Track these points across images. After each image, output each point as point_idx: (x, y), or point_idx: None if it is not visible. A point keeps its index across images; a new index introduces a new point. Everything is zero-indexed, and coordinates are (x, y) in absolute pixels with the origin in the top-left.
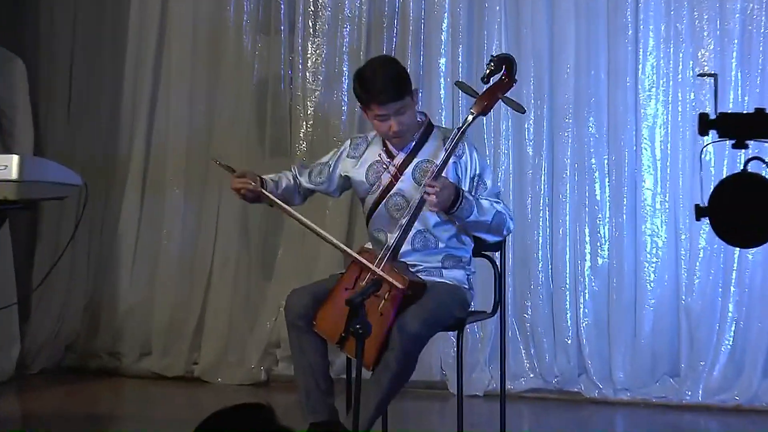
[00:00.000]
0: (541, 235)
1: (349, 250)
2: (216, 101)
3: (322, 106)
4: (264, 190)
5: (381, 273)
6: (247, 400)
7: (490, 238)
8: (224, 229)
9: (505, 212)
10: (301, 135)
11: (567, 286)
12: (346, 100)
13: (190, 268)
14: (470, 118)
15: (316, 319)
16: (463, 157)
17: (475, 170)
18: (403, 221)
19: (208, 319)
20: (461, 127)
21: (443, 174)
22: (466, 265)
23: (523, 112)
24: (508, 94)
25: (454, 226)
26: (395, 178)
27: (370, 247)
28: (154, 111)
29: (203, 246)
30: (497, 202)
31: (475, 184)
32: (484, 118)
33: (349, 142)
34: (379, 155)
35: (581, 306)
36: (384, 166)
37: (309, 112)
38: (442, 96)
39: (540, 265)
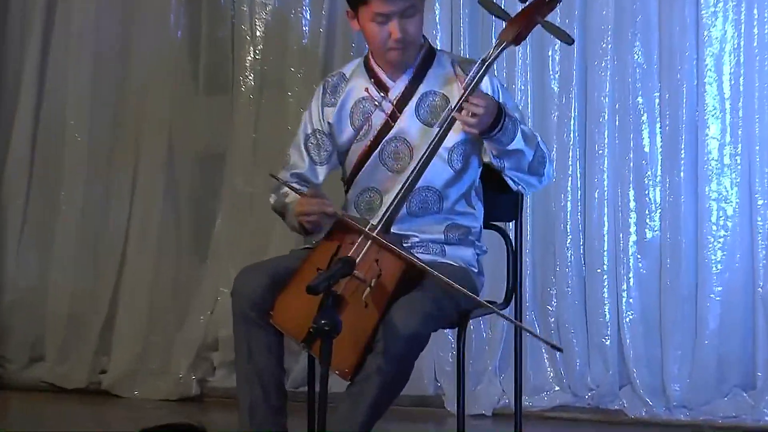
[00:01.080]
0: (569, 199)
1: (339, 212)
2: (132, 18)
3: (275, 26)
4: (341, 211)
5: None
6: (174, 420)
7: (526, 184)
8: (143, 192)
9: (545, 149)
10: (248, 64)
11: (605, 268)
12: (308, 16)
13: (96, 245)
14: (498, 47)
15: (275, 309)
16: (481, 85)
17: (498, 97)
18: (410, 171)
19: (121, 314)
20: (486, 59)
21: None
22: (476, 240)
23: (571, 42)
24: (549, 18)
25: (479, 157)
26: (392, 117)
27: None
28: (50, 29)
29: (115, 215)
30: (536, 134)
31: None
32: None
33: (321, 87)
34: (367, 90)
35: (624, 295)
36: (375, 103)
37: (258, 33)
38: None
39: (568, 240)
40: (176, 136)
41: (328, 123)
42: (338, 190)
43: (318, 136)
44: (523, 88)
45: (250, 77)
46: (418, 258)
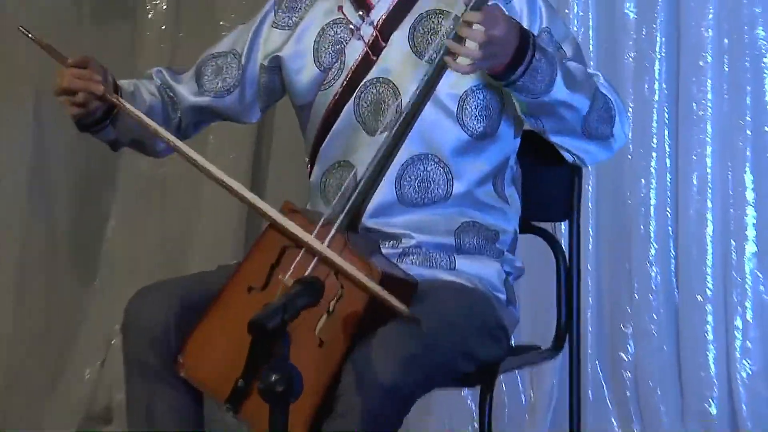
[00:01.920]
0: (654, 187)
1: (264, 207)
2: None
3: None
4: (119, 98)
5: (331, 255)
6: None
7: (583, 151)
8: None
9: (611, 94)
10: None
11: (708, 293)
12: None
13: None
14: None
15: (185, 353)
16: (511, 3)
17: (540, 23)
18: (394, 127)
19: None
20: None
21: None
22: (506, 249)
23: None
24: None
25: (505, 115)
26: (374, 48)
27: (308, 208)
28: None
29: None
30: (595, 74)
31: (542, 44)
32: None
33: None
34: (339, 9)
35: (737, 336)
36: (351, 29)
37: None
38: None
39: (652, 251)
40: (47, 92)
41: (276, 56)
42: (300, 179)
43: (229, 59)
44: (581, 14)
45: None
46: (403, 271)
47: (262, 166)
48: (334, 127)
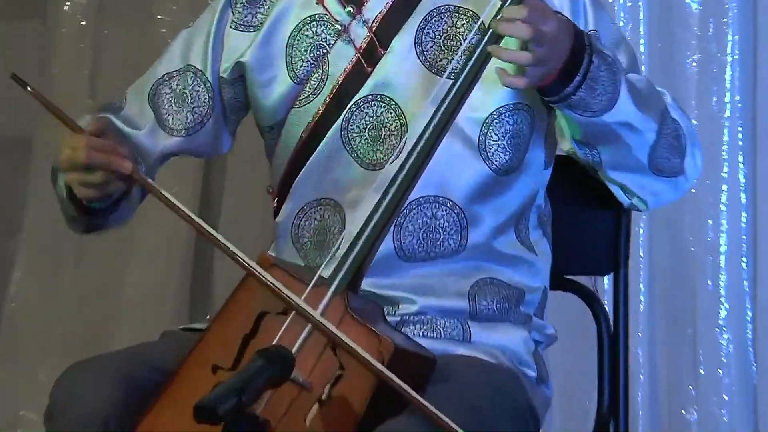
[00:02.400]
0: (725, 230)
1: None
2: None
3: None
4: (146, 177)
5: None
6: None
7: (650, 192)
8: None
9: (681, 119)
10: None
11: None
12: None
13: None
14: None
15: None
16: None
17: (584, 25)
18: (400, 165)
19: None
20: None
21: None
22: (534, 314)
23: None
24: None
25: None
26: (368, 56)
27: (271, 254)
28: None
29: None
30: (662, 92)
31: None
32: None
33: None
34: (320, 2)
35: None
36: (337, 28)
37: None
38: None
39: (723, 314)
40: None
41: (237, 63)
42: (261, 212)
43: (190, 80)
44: (629, 4)
45: None
46: (417, 344)
47: (213, 200)
48: (313, 155)
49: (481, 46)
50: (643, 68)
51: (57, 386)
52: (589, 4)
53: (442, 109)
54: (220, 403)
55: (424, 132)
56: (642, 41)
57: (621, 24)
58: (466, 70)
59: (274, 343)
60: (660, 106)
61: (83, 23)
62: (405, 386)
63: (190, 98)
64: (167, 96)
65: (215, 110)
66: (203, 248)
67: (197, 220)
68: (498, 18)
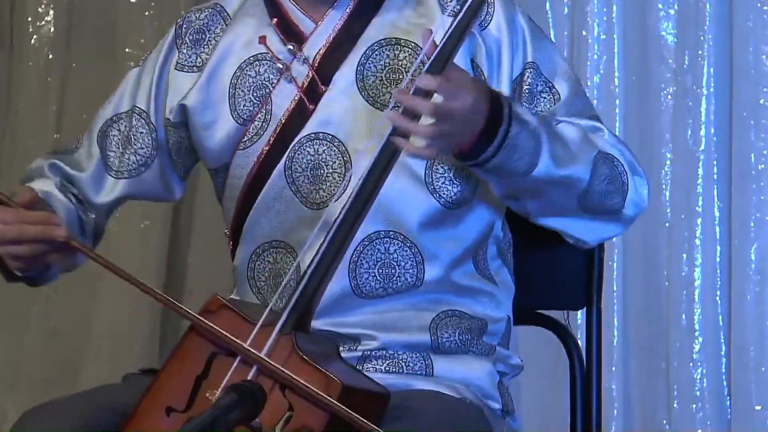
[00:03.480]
0: (699, 264)
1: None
2: None
3: None
4: (83, 244)
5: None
6: None
7: (587, 231)
8: None
9: (616, 152)
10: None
11: None
12: None
13: None
14: None
15: None
16: (488, 27)
17: (523, 56)
18: (350, 200)
19: None
20: None
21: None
22: (498, 345)
23: None
24: None
25: (486, 201)
26: (309, 93)
27: (235, 297)
28: None
29: None
30: (592, 130)
31: (524, 89)
32: None
33: (172, 31)
34: (262, 41)
35: None
36: (279, 66)
37: None
38: None
39: (697, 348)
40: None
41: (180, 106)
42: (221, 256)
43: (135, 122)
44: (603, 37)
45: (46, 19)
46: (369, 380)
47: (182, 236)
48: (260, 197)
49: (390, 115)
50: (618, 102)
51: (16, 430)
52: (528, 35)
53: (385, 144)
54: None
55: (370, 169)
56: (617, 74)
57: (595, 57)
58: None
59: (223, 384)
60: (592, 152)
61: (50, 57)
62: (357, 417)
63: (133, 140)
64: (115, 138)
65: (159, 152)
66: (174, 283)
67: (140, 282)
68: (403, 89)
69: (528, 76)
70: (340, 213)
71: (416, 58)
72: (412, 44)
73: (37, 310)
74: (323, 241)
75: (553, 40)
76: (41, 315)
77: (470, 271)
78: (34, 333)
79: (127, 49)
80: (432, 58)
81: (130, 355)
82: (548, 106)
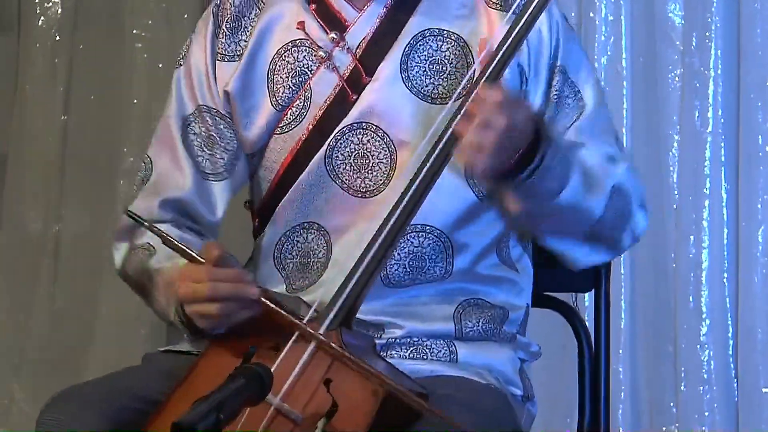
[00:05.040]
0: (707, 246)
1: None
2: None
3: None
4: (270, 300)
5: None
6: None
7: (586, 256)
8: None
9: (630, 186)
10: None
11: None
12: None
13: None
14: None
15: None
16: (534, 28)
17: (555, 59)
18: (407, 195)
19: None
20: None
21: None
22: (518, 333)
23: None
24: None
25: (505, 215)
26: (352, 83)
27: (260, 278)
28: None
29: None
30: (611, 160)
31: (552, 94)
32: None
33: (209, 19)
34: (300, 27)
35: None
36: (320, 54)
37: None
38: None
39: (704, 330)
40: None
41: (224, 92)
42: (238, 231)
43: (209, 120)
44: (610, 18)
45: (53, 1)
46: (411, 380)
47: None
48: (297, 182)
49: (455, 124)
50: (625, 84)
51: (41, 420)
52: (562, 36)
53: (444, 139)
54: (200, 421)
55: (424, 162)
56: (624, 56)
57: (602, 39)
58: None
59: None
60: (610, 184)
61: (57, 38)
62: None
63: (217, 138)
64: (195, 142)
65: (238, 141)
66: None
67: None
68: (473, 97)
69: (557, 81)
70: (396, 205)
71: (459, 50)
72: (455, 35)
73: (43, 293)
74: (377, 233)
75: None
76: (47, 298)
77: (494, 261)
78: (40, 316)
79: (134, 31)
80: (490, 67)
81: (136, 338)
82: (574, 114)
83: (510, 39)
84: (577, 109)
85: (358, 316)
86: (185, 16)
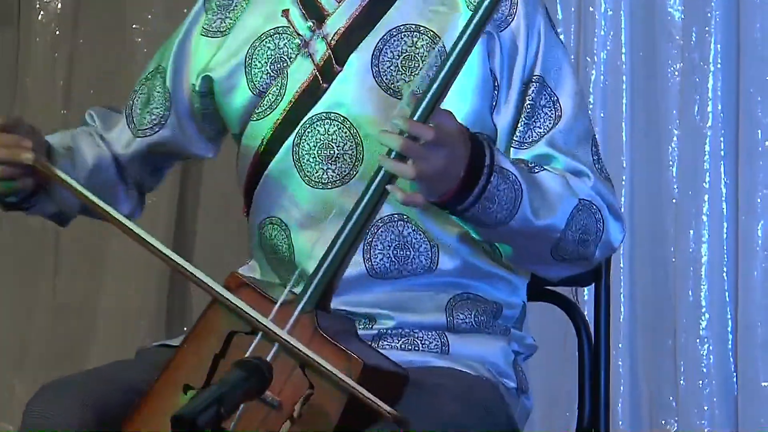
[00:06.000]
0: (706, 240)
1: (205, 279)
2: None
3: None
4: (50, 166)
5: (295, 343)
6: None
7: (557, 272)
8: None
9: (599, 200)
10: None
11: None
12: None
13: None
14: None
15: None
16: (508, 27)
17: (532, 68)
18: (370, 188)
19: None
20: None
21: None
22: (513, 327)
23: None
24: None
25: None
26: (324, 72)
27: (249, 274)
28: None
29: None
30: (578, 175)
31: (526, 104)
32: None
33: None
34: (284, 14)
35: None
36: (299, 42)
37: None
38: None
39: (703, 324)
40: None
41: (206, 77)
42: (238, 231)
43: (157, 83)
44: (610, 13)
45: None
46: (389, 360)
47: (189, 213)
48: (267, 171)
49: (383, 160)
50: (624, 79)
51: (28, 410)
52: (543, 44)
53: (377, 178)
54: (200, 414)
55: (359, 201)
56: (624, 50)
57: (602, 33)
58: (422, 103)
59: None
60: (572, 202)
61: (57, 33)
62: (376, 399)
63: (152, 99)
64: (140, 98)
65: (173, 111)
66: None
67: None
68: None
69: (533, 90)
70: (364, 193)
71: (434, 48)
72: (431, 32)
73: (45, 287)
74: (347, 220)
75: (561, 28)
76: (49, 291)
77: (487, 257)
78: (42, 310)
79: (134, 25)
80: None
81: (138, 330)
82: (549, 123)
83: (445, 68)
84: (552, 118)
85: (347, 308)
86: (185, 10)
